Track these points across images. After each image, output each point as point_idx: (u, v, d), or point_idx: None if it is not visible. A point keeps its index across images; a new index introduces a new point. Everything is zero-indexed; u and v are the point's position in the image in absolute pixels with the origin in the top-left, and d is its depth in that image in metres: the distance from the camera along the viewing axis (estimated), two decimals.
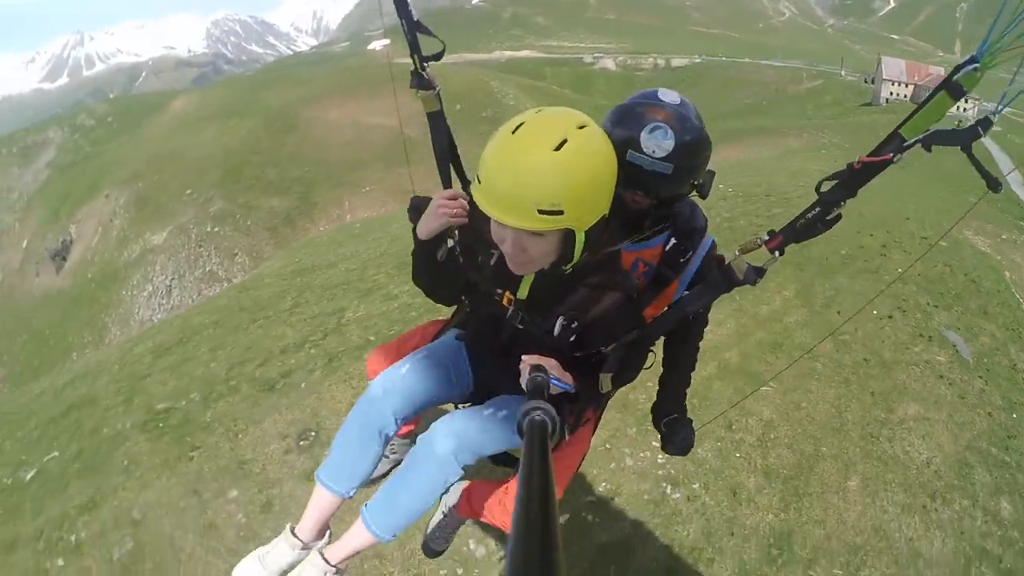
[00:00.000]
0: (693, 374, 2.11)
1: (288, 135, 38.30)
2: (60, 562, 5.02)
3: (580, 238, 1.36)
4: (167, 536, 4.77)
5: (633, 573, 3.71)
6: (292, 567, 1.70)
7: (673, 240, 1.82)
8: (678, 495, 4.15)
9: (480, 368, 1.85)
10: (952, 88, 1.12)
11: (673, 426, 1.97)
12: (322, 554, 1.68)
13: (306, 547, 1.71)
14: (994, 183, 1.20)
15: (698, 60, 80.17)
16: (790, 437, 4.59)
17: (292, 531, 1.71)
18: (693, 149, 1.61)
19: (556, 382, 1.36)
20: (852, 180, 1.32)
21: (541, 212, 1.26)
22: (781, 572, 3.72)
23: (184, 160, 36.29)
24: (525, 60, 65.28)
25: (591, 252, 1.47)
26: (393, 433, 1.69)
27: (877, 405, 5.02)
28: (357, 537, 1.65)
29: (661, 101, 1.65)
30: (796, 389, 5.03)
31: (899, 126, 1.22)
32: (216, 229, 31.56)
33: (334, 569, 1.66)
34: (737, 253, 1.51)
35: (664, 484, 4.18)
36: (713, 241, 1.90)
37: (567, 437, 1.79)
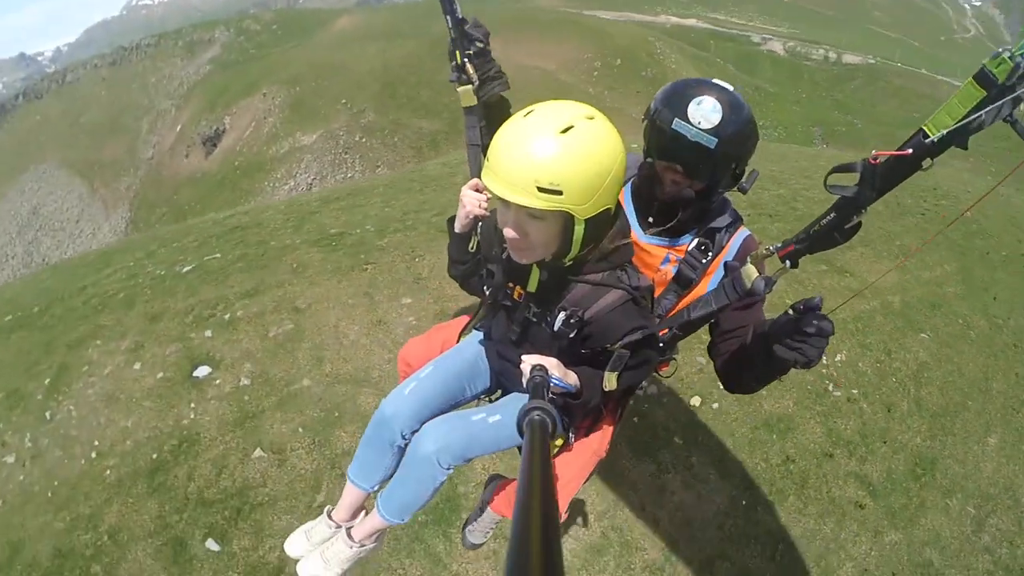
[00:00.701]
0: None
1: (448, 62, 37.96)
2: (208, 333, 5.06)
3: (579, 228, 1.39)
4: (331, 325, 4.86)
5: (792, 447, 4.16)
6: (335, 540, 2.03)
7: (696, 239, 1.82)
8: (838, 394, 4.59)
9: (495, 364, 1.94)
10: (981, 76, 1.02)
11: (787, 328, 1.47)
12: (348, 532, 2.01)
13: (340, 527, 2.04)
14: None
15: (872, 61, 72.43)
16: (941, 381, 4.98)
17: (329, 515, 2.06)
18: (740, 129, 1.61)
19: (557, 382, 1.41)
20: (869, 180, 1.21)
21: (540, 190, 1.30)
22: (923, 490, 4.19)
23: (344, 71, 37.41)
24: (690, 28, 61.87)
25: (594, 247, 1.51)
26: (404, 444, 1.87)
27: (1020, 385, 5.21)
28: (373, 520, 1.96)
29: (715, 84, 1.66)
30: (950, 346, 5.36)
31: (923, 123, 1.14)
32: (364, 140, 32.24)
33: (358, 544, 1.98)
34: (748, 261, 1.47)
35: (827, 381, 4.64)
36: (748, 236, 1.84)
37: (572, 439, 1.93)
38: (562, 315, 1.56)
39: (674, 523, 3.71)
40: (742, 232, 1.84)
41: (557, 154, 1.28)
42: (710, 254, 1.80)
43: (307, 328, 4.58)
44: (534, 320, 1.66)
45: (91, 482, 4.13)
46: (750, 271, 1.46)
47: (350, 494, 2.00)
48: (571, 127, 1.30)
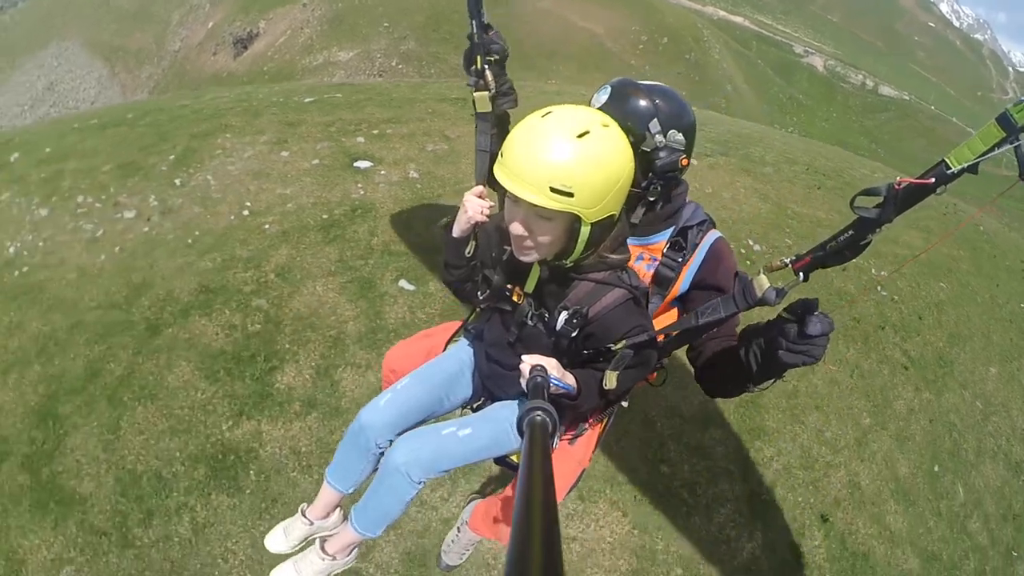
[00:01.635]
0: None
1: (498, 7, 38.05)
2: (360, 139, 5.87)
3: (584, 231, 1.43)
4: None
5: (856, 314, 5.27)
6: (306, 539, 2.10)
7: (670, 239, 1.89)
8: (884, 294, 5.62)
9: (484, 368, 1.95)
10: (1002, 118, 1.11)
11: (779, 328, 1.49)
12: (322, 546, 1.99)
13: (314, 524, 2.07)
14: None
15: (906, 98, 73.01)
16: (955, 317, 6.18)
17: (303, 512, 2.07)
18: (624, 102, 1.73)
19: (556, 382, 1.42)
20: (891, 202, 1.28)
21: (553, 190, 1.33)
22: (946, 376, 5.33)
23: None
24: (736, 25, 61.77)
25: (596, 250, 1.54)
26: (380, 452, 1.88)
27: (1015, 346, 6.42)
28: (346, 533, 1.95)
29: (641, 82, 1.81)
30: (961, 300, 6.58)
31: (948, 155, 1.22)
32: (400, 65, 32.21)
33: (331, 557, 1.98)
34: (761, 271, 1.49)
35: (877, 284, 5.62)
36: (719, 239, 1.90)
37: (555, 444, 1.91)
38: (564, 314, 1.59)
39: None
40: (713, 233, 1.91)
41: (572, 157, 1.32)
42: (684, 253, 1.86)
43: (462, 151, 5.10)
44: (531, 322, 1.67)
45: (246, 232, 4.66)
46: (762, 281, 1.46)
47: (326, 494, 2.03)
48: (587, 132, 1.35)
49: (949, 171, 1.18)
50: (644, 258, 1.90)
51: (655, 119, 1.72)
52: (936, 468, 4.53)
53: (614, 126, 1.43)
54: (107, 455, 3.35)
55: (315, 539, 2.05)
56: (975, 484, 4.67)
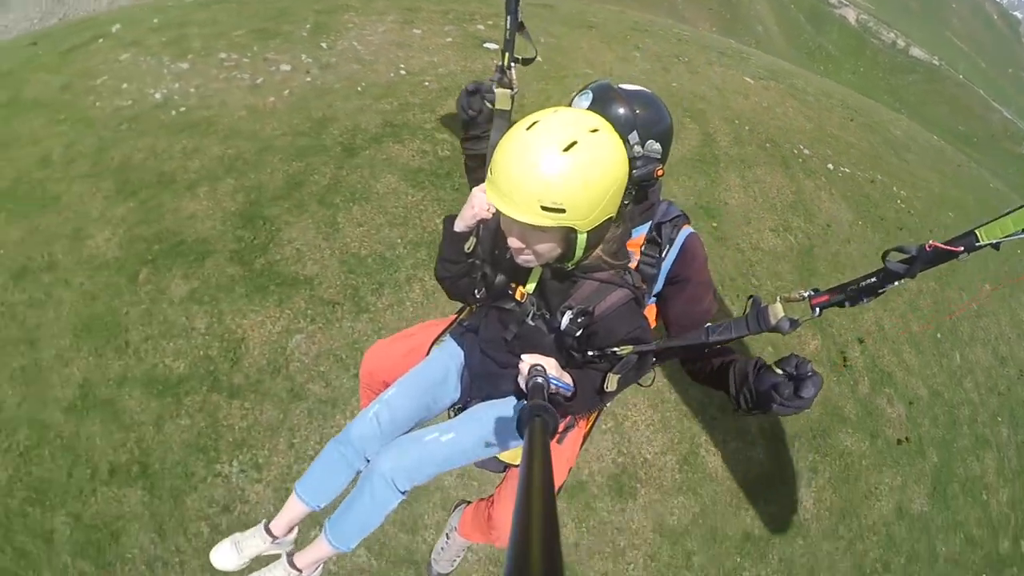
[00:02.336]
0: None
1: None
2: (480, 27, 5.65)
3: (581, 239, 1.42)
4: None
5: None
6: (259, 554, 2.00)
7: (646, 235, 1.94)
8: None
9: (477, 367, 1.93)
10: None
11: (768, 377, 1.58)
12: (290, 560, 1.95)
13: (275, 541, 1.99)
14: None
15: (936, 63, 71.33)
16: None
17: (266, 527, 2.00)
18: (605, 110, 1.77)
19: (555, 382, 1.40)
20: (919, 261, 1.33)
21: (544, 208, 1.32)
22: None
23: None
24: None
25: (595, 250, 1.54)
26: (363, 467, 1.88)
27: None
28: (319, 547, 1.91)
29: (623, 88, 1.87)
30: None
31: (979, 225, 1.28)
32: None
33: (298, 572, 1.93)
34: (778, 299, 1.51)
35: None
36: (691, 234, 1.95)
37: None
38: (569, 313, 1.59)
39: None
40: (687, 229, 1.94)
41: (560, 173, 1.29)
42: (660, 247, 1.90)
43: (568, 47, 5.92)
44: (533, 322, 1.68)
45: (410, 86, 5.48)
46: (777, 310, 1.49)
47: (293, 508, 1.96)
48: (574, 143, 1.31)
49: (977, 244, 1.25)
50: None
51: (635, 130, 1.77)
52: (939, 335, 5.77)
53: (604, 128, 1.39)
54: (328, 243, 4.13)
55: (271, 554, 2.01)
56: (968, 356, 5.90)
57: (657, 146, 1.82)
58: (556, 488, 1.95)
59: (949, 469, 5.05)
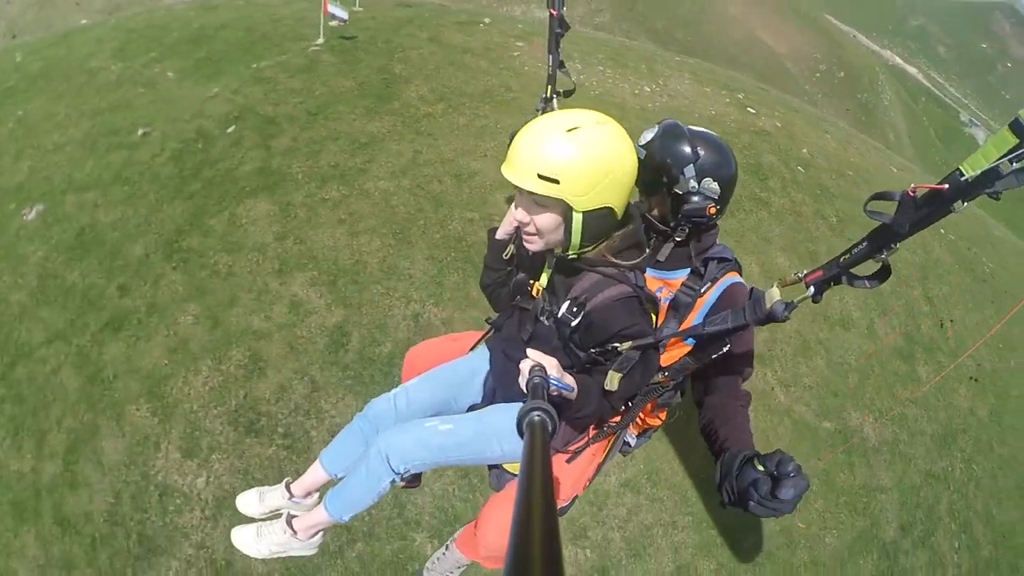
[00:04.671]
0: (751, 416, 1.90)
1: (691, 3, 39.54)
2: None
3: (577, 219, 1.52)
4: None
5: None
6: (279, 510, 2.14)
7: (690, 270, 1.96)
8: None
9: (499, 366, 1.98)
10: (1015, 124, 1.12)
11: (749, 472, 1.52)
12: (289, 520, 2.05)
13: (292, 499, 2.13)
14: None
15: None
16: None
17: (288, 485, 2.15)
18: (666, 145, 1.86)
19: (556, 382, 1.42)
20: (906, 209, 1.26)
21: (540, 176, 1.46)
22: None
23: None
24: (909, 76, 59.42)
25: (601, 245, 1.62)
26: None
27: None
28: (317, 513, 2.01)
29: (691, 128, 1.92)
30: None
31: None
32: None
33: (293, 533, 2.04)
34: (775, 284, 1.51)
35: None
36: (737, 283, 1.93)
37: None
38: (566, 303, 1.66)
39: None
40: (733, 276, 1.94)
41: (558, 148, 1.45)
42: (702, 282, 1.91)
43: None
44: (543, 318, 1.75)
45: None
46: (772, 294, 1.48)
47: (313, 473, 2.10)
48: (577, 128, 1.47)
49: (964, 178, 1.18)
50: (663, 291, 1.97)
51: (691, 165, 1.83)
52: None
53: (611, 125, 1.52)
54: None
55: (283, 512, 2.13)
56: None
57: (714, 185, 1.85)
58: (558, 511, 1.92)
59: None
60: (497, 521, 2.07)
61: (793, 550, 4.22)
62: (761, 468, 1.47)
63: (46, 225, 5.24)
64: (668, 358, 1.92)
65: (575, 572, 3.82)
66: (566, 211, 1.52)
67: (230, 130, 5.57)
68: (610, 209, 1.55)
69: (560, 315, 1.67)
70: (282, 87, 6.05)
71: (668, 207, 1.89)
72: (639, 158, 1.69)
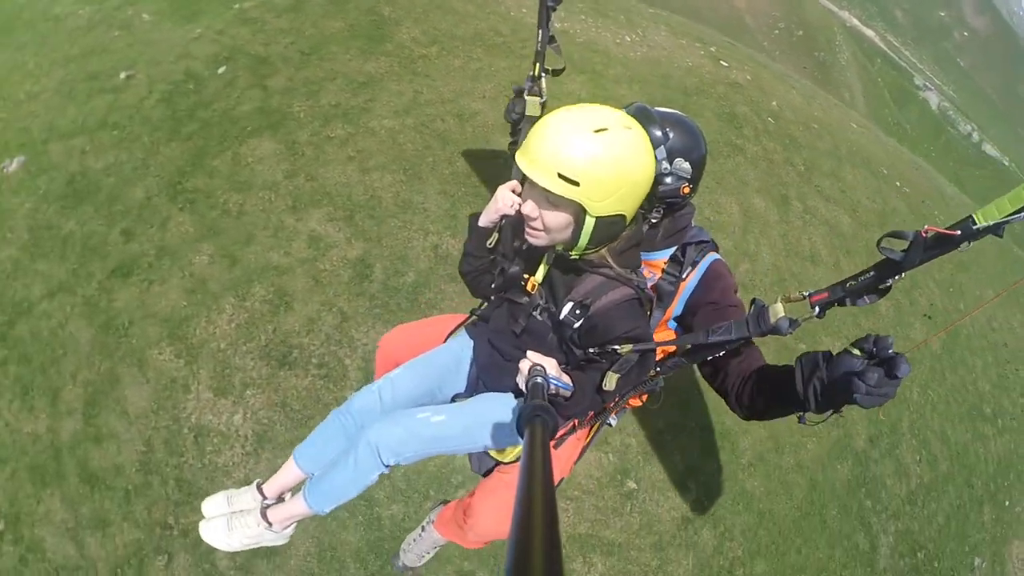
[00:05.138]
0: None
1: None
2: None
3: (589, 223, 1.48)
4: None
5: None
6: (248, 513, 2.02)
7: (670, 254, 1.97)
8: None
9: (484, 356, 1.98)
10: None
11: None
12: (264, 511, 1.97)
13: (264, 501, 2.03)
14: None
15: (1006, 163, 72.51)
16: None
17: (259, 486, 2.05)
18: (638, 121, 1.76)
19: (556, 382, 1.43)
20: (917, 248, 1.29)
21: (561, 177, 1.41)
22: None
23: None
24: (865, 38, 60.38)
25: (605, 248, 1.61)
26: None
27: None
28: (295, 504, 1.94)
29: (657, 110, 1.95)
30: None
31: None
32: None
33: (267, 524, 1.96)
34: (778, 300, 1.51)
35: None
36: (717, 260, 1.96)
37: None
38: (569, 305, 1.64)
39: None
40: (712, 255, 1.97)
41: (584, 149, 1.39)
42: (682, 267, 1.92)
43: None
44: (540, 316, 1.73)
45: None
46: (776, 309, 1.48)
47: (288, 472, 2.02)
48: (605, 129, 1.41)
49: (975, 227, 1.19)
50: (644, 271, 1.92)
51: (662, 147, 1.85)
52: None
53: (637, 129, 1.48)
54: None
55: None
56: None
57: (686, 165, 1.88)
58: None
59: None
60: (492, 510, 2.09)
61: (781, 454, 4.62)
62: (858, 352, 1.34)
63: (30, 176, 4.98)
64: (659, 351, 1.89)
65: (601, 475, 4.05)
66: (579, 213, 1.49)
67: (221, 70, 5.35)
68: (622, 216, 1.53)
69: (563, 317, 1.66)
70: (270, 27, 5.82)
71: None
72: None
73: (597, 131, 1.42)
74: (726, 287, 1.93)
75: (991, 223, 1.17)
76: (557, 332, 1.72)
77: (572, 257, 1.62)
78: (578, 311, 1.63)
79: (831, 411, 1.44)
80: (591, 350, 1.66)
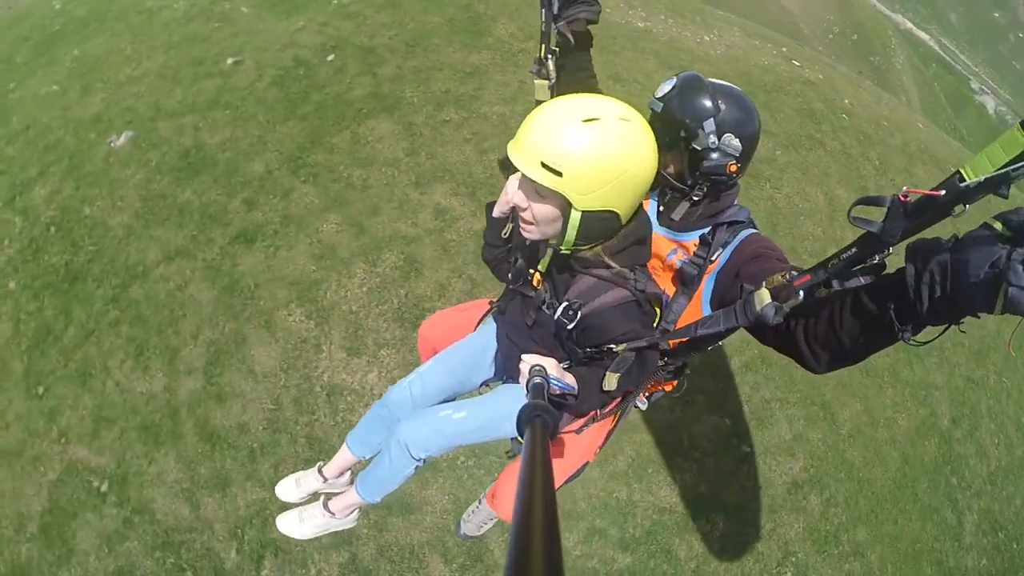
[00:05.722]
0: None
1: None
2: None
3: (575, 217, 1.42)
4: None
5: None
6: (316, 493, 2.36)
7: (705, 232, 1.82)
8: None
9: (505, 348, 2.01)
10: None
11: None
12: (326, 503, 2.26)
13: (327, 482, 2.33)
14: None
15: None
16: None
17: (320, 469, 2.36)
18: (686, 99, 1.72)
19: (556, 382, 1.42)
20: (896, 217, 1.10)
21: (544, 165, 1.35)
22: None
23: None
24: (920, 42, 59.72)
25: (600, 245, 1.54)
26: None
27: None
28: (350, 495, 2.18)
29: (711, 80, 1.79)
30: None
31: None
32: None
33: (331, 514, 2.25)
34: (763, 284, 1.43)
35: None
36: (752, 234, 1.79)
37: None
38: (563, 305, 1.60)
39: None
40: (745, 231, 1.79)
41: (569, 139, 1.33)
42: (709, 249, 1.78)
43: None
44: (547, 310, 1.70)
45: None
46: (763, 295, 1.39)
47: (342, 456, 2.28)
48: (596, 119, 1.34)
49: (964, 184, 0.98)
50: (677, 253, 1.88)
51: (711, 119, 1.71)
52: None
53: (637, 121, 1.40)
54: None
55: (321, 495, 2.32)
56: None
57: (736, 142, 1.73)
58: (567, 478, 2.07)
59: None
60: (512, 493, 2.09)
61: (876, 428, 4.73)
62: (1000, 227, 0.99)
63: (140, 150, 5.07)
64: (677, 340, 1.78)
65: (718, 438, 4.15)
66: (564, 206, 1.42)
67: (330, 58, 5.52)
68: (613, 213, 1.44)
69: (556, 317, 1.62)
70: (372, 21, 6.03)
71: (685, 164, 1.78)
72: (655, 111, 1.72)
73: (586, 120, 1.35)
74: (765, 243, 1.75)
75: (983, 178, 0.96)
76: (556, 331, 1.70)
77: (563, 253, 1.56)
78: (570, 312, 1.58)
79: (948, 324, 1.12)
80: (588, 349, 1.65)
